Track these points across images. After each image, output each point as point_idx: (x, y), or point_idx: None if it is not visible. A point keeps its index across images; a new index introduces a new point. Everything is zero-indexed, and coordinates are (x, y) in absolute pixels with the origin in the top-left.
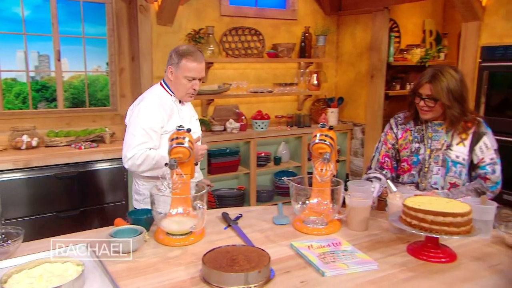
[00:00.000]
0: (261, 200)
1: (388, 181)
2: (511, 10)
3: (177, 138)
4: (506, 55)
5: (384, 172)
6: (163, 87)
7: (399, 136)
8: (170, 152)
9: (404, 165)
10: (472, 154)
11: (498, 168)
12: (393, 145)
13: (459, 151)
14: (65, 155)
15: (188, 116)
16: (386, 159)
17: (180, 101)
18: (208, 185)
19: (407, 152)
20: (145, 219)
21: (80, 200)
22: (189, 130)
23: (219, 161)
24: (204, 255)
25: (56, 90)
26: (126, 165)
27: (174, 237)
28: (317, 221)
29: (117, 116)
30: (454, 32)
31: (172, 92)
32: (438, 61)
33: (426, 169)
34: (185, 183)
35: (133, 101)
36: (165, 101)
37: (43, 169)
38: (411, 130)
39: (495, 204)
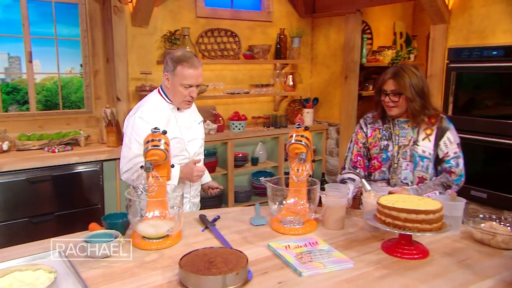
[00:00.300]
0: (239, 201)
1: (363, 180)
2: (475, 13)
3: (152, 140)
4: (471, 56)
5: (357, 171)
6: (160, 94)
7: (369, 134)
8: (145, 154)
9: (374, 163)
10: (437, 149)
11: (461, 161)
12: (363, 144)
13: (425, 146)
14: (38, 159)
15: (187, 123)
16: (359, 158)
17: (178, 108)
18: (216, 188)
19: (376, 149)
20: (121, 223)
21: (55, 205)
22: (164, 132)
23: None
24: (181, 258)
25: (28, 92)
26: (123, 177)
27: (151, 240)
28: (294, 221)
29: (92, 118)
30: (423, 34)
31: (170, 100)
32: (409, 62)
33: (396, 165)
34: (161, 186)
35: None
36: (161, 110)
37: (14, 174)
38: (380, 129)
39: (464, 201)
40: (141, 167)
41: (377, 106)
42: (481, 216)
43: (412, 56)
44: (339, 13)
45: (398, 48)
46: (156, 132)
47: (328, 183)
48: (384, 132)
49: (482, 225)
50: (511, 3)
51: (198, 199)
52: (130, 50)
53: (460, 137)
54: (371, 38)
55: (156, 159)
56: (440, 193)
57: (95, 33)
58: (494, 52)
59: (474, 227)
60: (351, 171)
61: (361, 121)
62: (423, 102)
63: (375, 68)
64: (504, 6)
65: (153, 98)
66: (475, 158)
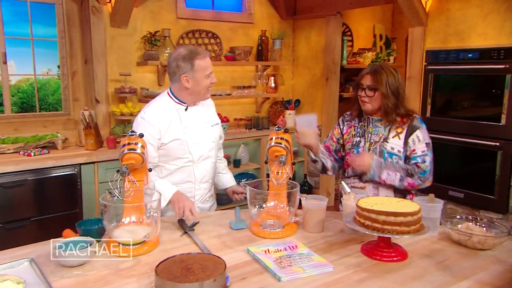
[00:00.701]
0: (222, 203)
1: (342, 182)
2: (451, 16)
3: (128, 144)
4: (448, 58)
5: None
6: (169, 95)
7: (344, 131)
8: (121, 158)
9: (347, 159)
10: (406, 146)
11: (428, 159)
12: (337, 139)
13: (395, 143)
14: (13, 162)
15: (195, 124)
16: (326, 148)
17: (186, 108)
18: (241, 193)
19: (349, 145)
20: (96, 230)
21: (30, 210)
22: (141, 135)
23: None
24: (158, 265)
25: (2, 94)
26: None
27: (127, 247)
28: (274, 225)
29: (70, 120)
30: (402, 36)
31: (179, 100)
32: (388, 64)
33: None
34: (138, 191)
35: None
36: (166, 110)
37: None
38: (355, 126)
39: (441, 202)
40: (117, 171)
41: (355, 102)
42: (458, 217)
43: (392, 58)
44: (320, 15)
45: (378, 50)
46: (133, 135)
47: (310, 185)
48: (358, 129)
49: (459, 226)
50: (485, 7)
51: (208, 204)
52: (109, 51)
53: (438, 138)
54: (352, 40)
55: (133, 163)
56: (400, 177)
57: (72, 33)
58: (470, 55)
59: (451, 228)
60: None
61: (340, 118)
62: (396, 101)
63: (355, 70)
64: (479, 11)
65: (160, 100)
66: (453, 158)
